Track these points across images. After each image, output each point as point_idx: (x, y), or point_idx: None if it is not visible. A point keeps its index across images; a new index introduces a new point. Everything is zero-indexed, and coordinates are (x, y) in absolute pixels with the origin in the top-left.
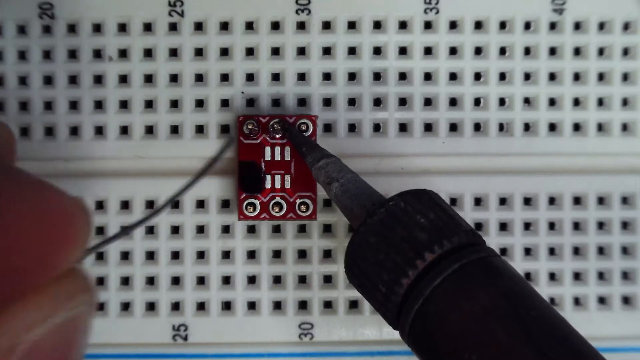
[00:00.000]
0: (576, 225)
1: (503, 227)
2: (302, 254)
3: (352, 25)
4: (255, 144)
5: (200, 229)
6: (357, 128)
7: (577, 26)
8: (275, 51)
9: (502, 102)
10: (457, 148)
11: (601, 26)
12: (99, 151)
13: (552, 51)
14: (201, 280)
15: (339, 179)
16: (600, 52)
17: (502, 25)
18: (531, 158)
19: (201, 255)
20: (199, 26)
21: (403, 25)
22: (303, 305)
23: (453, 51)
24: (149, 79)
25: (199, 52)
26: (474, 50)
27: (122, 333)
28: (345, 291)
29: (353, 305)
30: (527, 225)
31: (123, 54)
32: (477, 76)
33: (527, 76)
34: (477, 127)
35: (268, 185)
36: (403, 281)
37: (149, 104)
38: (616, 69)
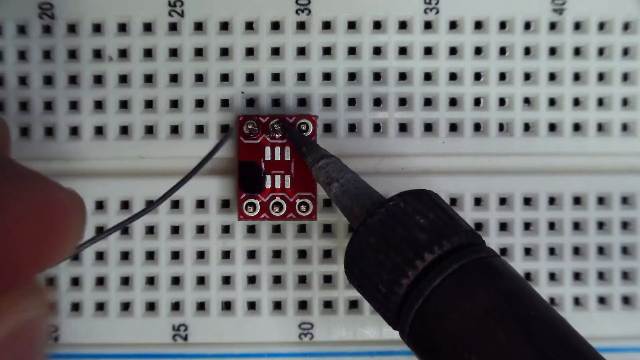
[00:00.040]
0: (576, 225)
1: (503, 227)
2: (302, 254)
3: (352, 25)
4: (255, 144)
5: (200, 229)
6: (357, 128)
7: (577, 26)
8: (275, 51)
9: (502, 102)
10: (457, 148)
11: (601, 26)
12: (99, 151)
13: (552, 51)
14: (201, 280)
15: (339, 179)
16: (600, 52)
17: (502, 25)
18: (531, 158)
19: (201, 255)
20: (199, 26)
21: (403, 25)
22: (303, 305)
23: (453, 51)
24: (149, 79)
25: (199, 52)
26: (474, 50)
27: (122, 333)
28: (345, 291)
29: (353, 305)
30: (527, 225)
31: (123, 54)
32: (477, 76)
33: (527, 76)
34: (477, 127)
35: (268, 185)
36: (403, 281)
37: (149, 104)
38: (616, 69)
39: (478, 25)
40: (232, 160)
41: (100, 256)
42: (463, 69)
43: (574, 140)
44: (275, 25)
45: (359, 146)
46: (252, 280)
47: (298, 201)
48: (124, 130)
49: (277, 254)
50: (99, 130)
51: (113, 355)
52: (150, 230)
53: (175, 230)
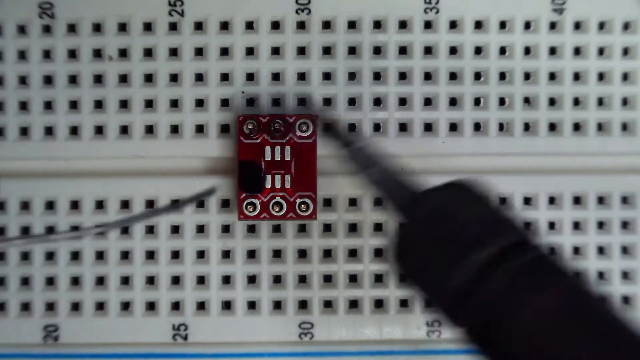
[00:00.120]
0: (576, 225)
1: None
2: (302, 254)
3: (352, 24)
4: (256, 143)
5: (201, 229)
6: (357, 128)
7: (577, 26)
8: (276, 51)
9: (502, 102)
10: (457, 148)
11: (601, 26)
12: (99, 151)
13: (552, 51)
14: (201, 280)
15: (375, 166)
16: (600, 52)
17: (502, 25)
18: (531, 158)
19: (201, 255)
20: (199, 26)
21: (403, 25)
22: (303, 304)
23: (453, 51)
24: (149, 78)
25: (199, 52)
26: (474, 50)
27: (122, 333)
28: (345, 291)
29: (353, 305)
30: (527, 225)
31: (123, 53)
32: (477, 76)
33: (527, 76)
34: (477, 127)
35: (268, 185)
36: (457, 279)
37: (149, 104)
38: (616, 69)
39: (478, 25)
40: (232, 160)
41: (100, 256)
42: (463, 68)
43: (574, 140)
44: (275, 25)
45: None
46: (252, 280)
47: (298, 201)
48: (124, 130)
49: (277, 254)
50: (99, 130)
51: (113, 355)
52: (150, 230)
53: (176, 230)
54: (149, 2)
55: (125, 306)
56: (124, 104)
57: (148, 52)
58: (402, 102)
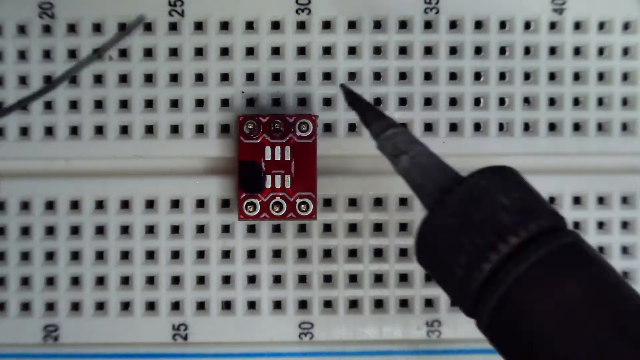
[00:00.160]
0: (576, 225)
1: None
2: (302, 254)
3: (352, 24)
4: (256, 143)
5: (200, 229)
6: (357, 128)
7: (577, 26)
8: (275, 51)
9: (502, 101)
10: (457, 148)
11: (601, 26)
12: (99, 151)
13: (552, 51)
14: (201, 280)
15: (409, 152)
16: (600, 52)
17: (502, 25)
18: (531, 158)
19: (201, 255)
20: (199, 26)
21: (403, 24)
22: (303, 304)
23: (453, 51)
24: (149, 78)
25: (199, 52)
26: (474, 50)
27: (122, 333)
28: (345, 291)
29: (353, 305)
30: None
31: (123, 53)
32: (477, 76)
33: (527, 76)
34: (477, 126)
35: (268, 185)
36: (484, 266)
37: (149, 104)
38: (616, 69)
39: (478, 25)
40: (232, 160)
41: (100, 256)
42: (463, 68)
43: (574, 140)
44: (275, 25)
45: (359, 146)
46: (252, 279)
47: (298, 201)
48: (124, 130)
49: (277, 254)
50: (99, 130)
51: (113, 355)
52: (150, 230)
53: (175, 230)
54: (149, 2)
55: (125, 306)
56: (124, 104)
57: (148, 52)
58: (402, 102)
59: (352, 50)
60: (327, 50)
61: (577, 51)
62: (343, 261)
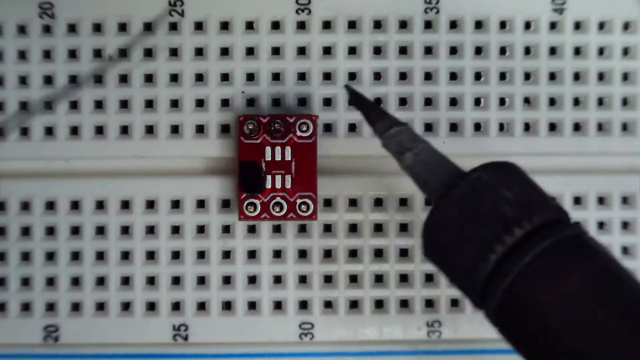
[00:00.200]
0: None
1: None
2: (303, 254)
3: (352, 24)
4: (256, 143)
5: (201, 229)
6: (357, 128)
7: (577, 26)
8: (276, 51)
9: (502, 101)
10: (458, 148)
11: (601, 26)
12: (99, 151)
13: (552, 51)
14: (201, 280)
15: (413, 149)
16: (600, 51)
17: (502, 25)
18: (531, 158)
19: (201, 255)
20: (199, 26)
21: (403, 24)
22: (303, 305)
23: (453, 51)
24: (149, 78)
25: (199, 52)
26: (474, 50)
27: (122, 333)
28: (346, 291)
29: (353, 305)
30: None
31: (123, 53)
32: (478, 76)
33: (527, 76)
34: (477, 126)
35: (268, 185)
36: (490, 257)
37: (149, 104)
38: (616, 69)
39: (478, 24)
40: (233, 160)
41: (100, 256)
42: (463, 68)
43: (574, 140)
44: (275, 25)
45: (359, 146)
46: (252, 280)
47: (298, 201)
48: (124, 130)
49: (277, 254)
50: (99, 130)
51: (113, 355)
52: (151, 230)
53: (176, 230)
54: (149, 2)
55: (126, 306)
56: (124, 104)
57: (148, 52)
58: (402, 102)
59: (352, 50)
60: (327, 50)
61: (577, 51)
62: (343, 261)
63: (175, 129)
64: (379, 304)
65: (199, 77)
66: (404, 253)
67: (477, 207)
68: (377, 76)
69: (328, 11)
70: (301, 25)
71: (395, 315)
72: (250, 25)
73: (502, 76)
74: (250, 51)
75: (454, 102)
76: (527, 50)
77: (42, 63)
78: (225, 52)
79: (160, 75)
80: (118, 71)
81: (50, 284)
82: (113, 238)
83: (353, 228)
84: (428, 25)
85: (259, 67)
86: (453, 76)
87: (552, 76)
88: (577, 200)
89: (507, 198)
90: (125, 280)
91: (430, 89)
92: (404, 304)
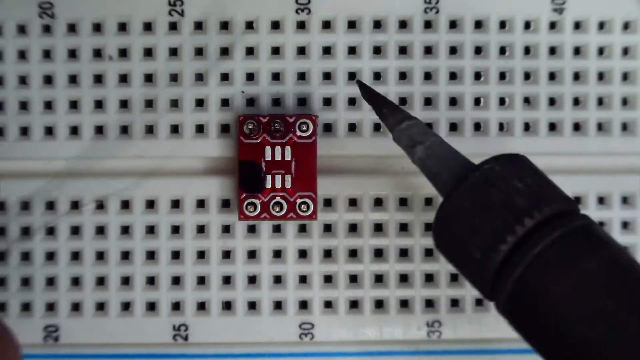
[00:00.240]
0: None
1: None
2: (303, 254)
3: (352, 24)
4: (256, 143)
5: (201, 229)
6: (357, 128)
7: (577, 26)
8: (275, 51)
9: (502, 101)
10: (457, 148)
11: (601, 26)
12: (99, 151)
13: (552, 51)
14: (201, 280)
15: (424, 142)
16: (600, 51)
17: (502, 24)
18: (531, 158)
19: (201, 255)
20: (199, 25)
21: (403, 24)
22: (303, 305)
23: (453, 50)
24: (149, 78)
25: (199, 52)
26: (474, 50)
27: (122, 333)
28: (346, 291)
29: (353, 305)
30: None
31: (123, 53)
32: (477, 75)
33: (527, 76)
34: (477, 126)
35: (268, 185)
36: (501, 247)
37: (149, 104)
38: (616, 69)
39: (478, 24)
40: (233, 159)
41: (100, 256)
42: (463, 68)
43: (574, 140)
44: (275, 25)
45: (359, 146)
46: (252, 280)
47: (298, 201)
48: (124, 130)
49: (277, 254)
50: (99, 130)
51: (113, 355)
52: (151, 230)
53: (176, 230)
54: (149, 2)
55: (126, 306)
56: (123, 104)
57: (148, 52)
58: (402, 101)
59: (352, 50)
60: (327, 50)
61: (577, 51)
62: (343, 261)
63: (175, 129)
64: (379, 304)
65: (199, 77)
66: (404, 253)
67: (488, 198)
68: (377, 76)
69: (328, 11)
70: (301, 25)
71: (395, 315)
72: (250, 25)
73: (502, 76)
74: (250, 51)
75: (453, 101)
76: (527, 50)
77: (42, 63)
78: (225, 51)
79: (160, 74)
80: (118, 71)
81: (50, 284)
82: (113, 238)
83: (353, 228)
84: (428, 25)
85: (259, 67)
86: (453, 76)
87: (552, 76)
88: (577, 200)
89: (518, 189)
90: (125, 280)
91: (430, 89)
92: (404, 304)
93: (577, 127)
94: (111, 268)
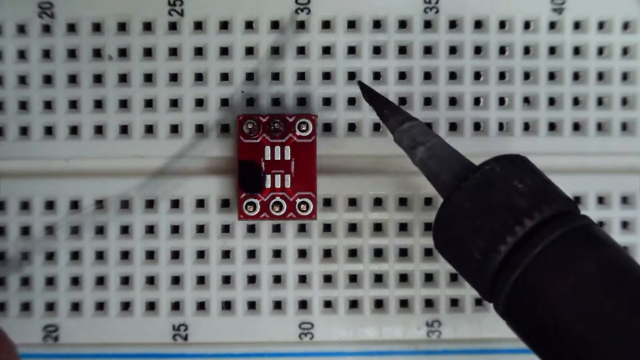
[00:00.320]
0: None
1: None
2: (302, 254)
3: (351, 24)
4: (255, 143)
5: (200, 229)
6: (357, 128)
7: (577, 26)
8: (275, 50)
9: (502, 101)
10: (457, 148)
11: (601, 26)
12: (99, 151)
13: (552, 50)
14: (201, 280)
15: (425, 143)
16: (600, 51)
17: (502, 24)
18: (531, 158)
19: (201, 254)
20: (198, 25)
21: (403, 24)
22: (303, 305)
23: (453, 50)
24: (148, 78)
25: (198, 52)
26: (473, 50)
27: (122, 333)
28: (346, 291)
29: (353, 305)
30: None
31: (123, 53)
32: (477, 75)
33: (527, 75)
34: (477, 126)
35: (268, 185)
36: (501, 248)
37: (149, 104)
38: (616, 69)
39: (478, 24)
40: (232, 159)
41: (100, 256)
42: (463, 68)
43: (574, 140)
44: (275, 25)
45: (358, 146)
46: (252, 280)
47: (298, 201)
48: (124, 129)
49: (277, 254)
50: (99, 130)
51: (113, 355)
52: (150, 229)
53: (175, 229)
54: (148, 2)
55: (125, 306)
56: (123, 104)
57: (148, 52)
58: (402, 101)
59: (351, 50)
60: (326, 50)
61: (576, 51)
62: (343, 261)
63: (175, 129)
64: (379, 304)
65: (199, 77)
66: (403, 253)
67: (489, 199)
68: (377, 76)
69: (328, 11)
70: (301, 25)
71: (395, 315)
72: (249, 25)
73: (502, 76)
74: (250, 51)
75: (453, 101)
76: (527, 50)
77: (41, 63)
78: (225, 51)
79: (160, 74)
80: (118, 71)
81: (50, 283)
82: (113, 238)
83: (353, 228)
84: (427, 25)
85: (259, 67)
86: (452, 76)
87: (552, 76)
88: (577, 200)
89: (518, 190)
90: (125, 280)
91: (430, 89)
92: (404, 303)
93: (576, 127)
94: (111, 268)
